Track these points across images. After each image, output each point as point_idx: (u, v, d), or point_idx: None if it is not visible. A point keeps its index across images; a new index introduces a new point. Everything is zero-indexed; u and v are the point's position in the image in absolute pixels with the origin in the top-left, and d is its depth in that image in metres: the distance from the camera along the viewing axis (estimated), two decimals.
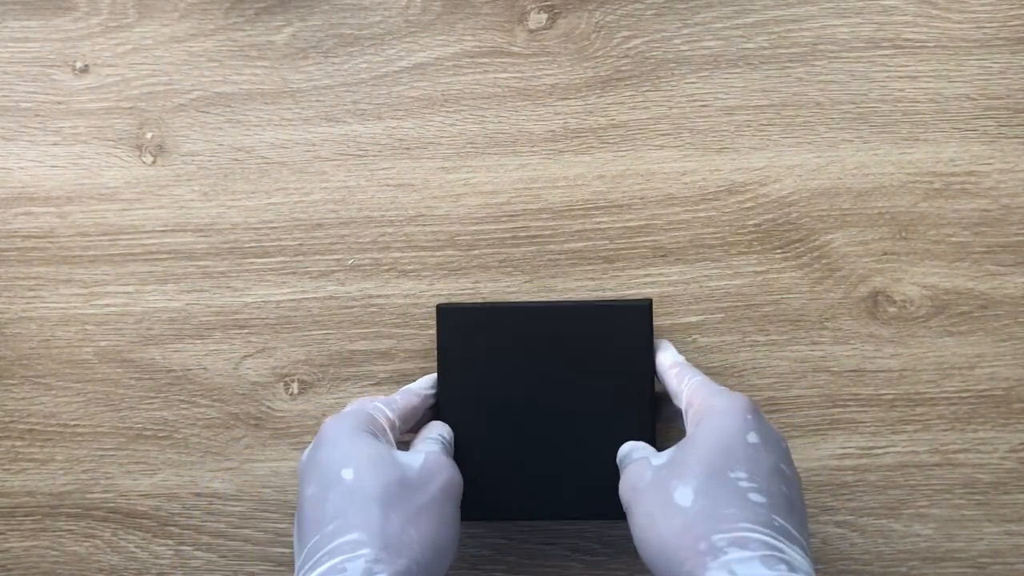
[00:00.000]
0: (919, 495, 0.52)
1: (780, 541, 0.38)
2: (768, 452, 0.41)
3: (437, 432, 0.47)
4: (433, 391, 0.49)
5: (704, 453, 0.41)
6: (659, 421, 0.49)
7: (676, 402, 0.46)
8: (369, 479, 0.41)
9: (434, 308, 0.53)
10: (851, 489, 0.52)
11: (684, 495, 0.40)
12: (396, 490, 0.41)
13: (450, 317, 0.48)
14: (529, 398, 0.48)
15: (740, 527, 0.38)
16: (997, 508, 0.51)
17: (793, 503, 0.40)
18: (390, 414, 0.46)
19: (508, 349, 0.48)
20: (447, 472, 0.43)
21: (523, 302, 0.51)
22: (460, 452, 0.47)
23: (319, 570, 0.38)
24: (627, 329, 0.48)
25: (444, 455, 0.44)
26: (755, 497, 0.39)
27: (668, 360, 0.47)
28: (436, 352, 0.49)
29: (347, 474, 0.41)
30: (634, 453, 0.45)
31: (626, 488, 0.43)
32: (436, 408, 0.49)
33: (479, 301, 0.53)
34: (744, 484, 0.39)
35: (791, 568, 0.37)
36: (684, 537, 0.38)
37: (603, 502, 0.47)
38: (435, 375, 0.49)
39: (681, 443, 0.42)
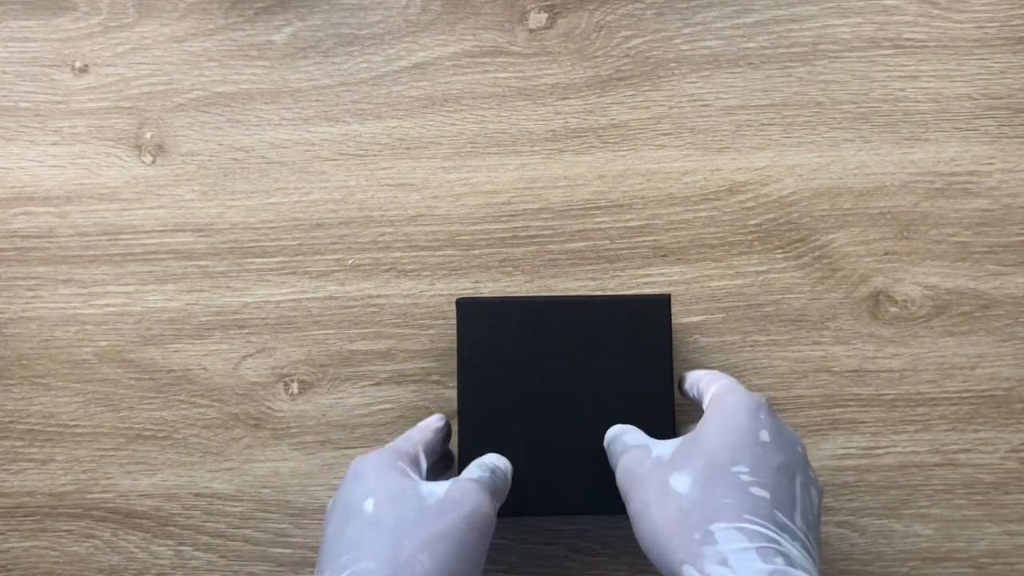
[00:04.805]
0: (920, 495, 0.52)
1: (780, 536, 0.37)
2: (779, 452, 0.40)
3: (491, 462, 0.45)
4: (441, 423, 0.48)
5: (707, 447, 0.40)
6: (677, 415, 0.48)
7: (704, 407, 0.44)
8: (388, 510, 0.40)
9: (434, 308, 0.53)
10: (852, 489, 0.52)
11: (681, 482, 0.39)
12: (413, 519, 0.40)
13: (469, 311, 0.48)
14: (548, 392, 0.47)
15: (739, 518, 0.37)
16: (998, 508, 0.51)
17: (797, 502, 0.39)
18: (410, 448, 0.45)
19: (526, 343, 0.47)
20: (472, 502, 0.41)
21: (541, 296, 0.51)
22: (478, 447, 0.46)
23: None
24: (645, 324, 0.47)
25: (476, 485, 0.42)
26: (757, 491, 0.38)
27: (701, 371, 0.47)
28: (456, 345, 0.48)
29: (368, 505, 0.40)
30: (626, 437, 0.44)
31: (624, 474, 0.42)
32: (454, 415, 0.49)
33: (498, 295, 0.53)
34: (746, 478, 0.38)
35: (789, 562, 0.36)
36: (679, 525, 0.38)
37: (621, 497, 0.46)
38: (438, 415, 0.49)
39: (685, 437, 0.42)
